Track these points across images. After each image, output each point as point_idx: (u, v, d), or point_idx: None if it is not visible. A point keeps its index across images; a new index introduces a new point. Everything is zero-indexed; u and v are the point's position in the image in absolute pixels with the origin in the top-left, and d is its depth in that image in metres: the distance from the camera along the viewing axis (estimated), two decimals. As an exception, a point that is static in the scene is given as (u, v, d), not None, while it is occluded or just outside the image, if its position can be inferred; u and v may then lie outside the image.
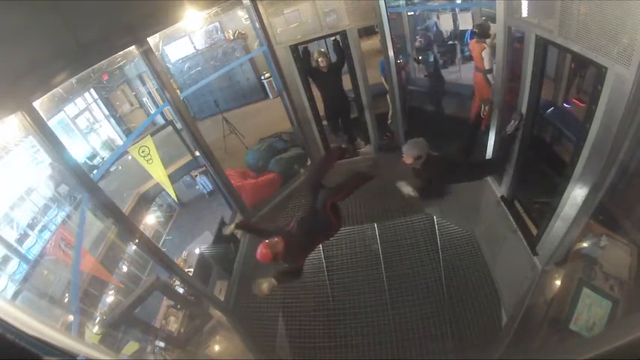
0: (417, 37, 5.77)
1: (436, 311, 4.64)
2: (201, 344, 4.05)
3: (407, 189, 3.42)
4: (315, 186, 3.44)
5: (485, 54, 4.76)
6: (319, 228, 3.32)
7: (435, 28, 7.70)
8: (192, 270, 4.99)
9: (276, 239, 3.00)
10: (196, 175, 7.79)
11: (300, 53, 5.00)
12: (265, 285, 2.98)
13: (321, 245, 5.34)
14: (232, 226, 3.43)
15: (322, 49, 5.18)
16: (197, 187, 8.02)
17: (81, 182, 2.94)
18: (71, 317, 3.46)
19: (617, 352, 0.88)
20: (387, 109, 6.20)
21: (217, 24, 9.45)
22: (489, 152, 4.52)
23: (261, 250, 2.95)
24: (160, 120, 8.02)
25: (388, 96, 6.20)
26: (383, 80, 6.06)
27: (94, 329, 3.90)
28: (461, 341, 4.38)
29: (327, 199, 3.31)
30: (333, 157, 3.80)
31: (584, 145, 2.61)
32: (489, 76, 4.82)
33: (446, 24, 7.14)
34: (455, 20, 6.91)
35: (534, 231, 3.69)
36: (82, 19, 2.80)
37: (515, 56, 3.66)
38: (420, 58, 5.80)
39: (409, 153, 3.47)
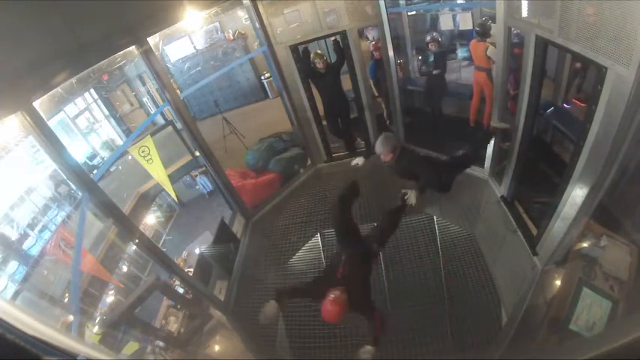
0: (428, 40, 5.56)
1: (436, 311, 4.64)
2: (201, 344, 4.05)
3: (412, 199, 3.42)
4: (344, 229, 3.28)
5: (492, 52, 4.73)
6: (367, 262, 3.20)
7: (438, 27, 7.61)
8: (192, 270, 4.99)
9: (338, 291, 2.71)
10: (196, 175, 7.80)
11: (300, 53, 5.00)
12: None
13: (321, 245, 5.36)
14: (272, 303, 2.82)
15: (319, 51, 5.16)
16: (197, 187, 8.03)
17: (81, 182, 2.94)
18: (71, 317, 3.46)
19: (617, 352, 0.87)
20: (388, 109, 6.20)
21: (217, 24, 9.45)
22: (489, 152, 4.53)
23: (331, 309, 2.64)
24: (160, 120, 8.01)
25: (379, 99, 6.19)
26: (372, 84, 5.98)
27: (94, 329, 3.90)
28: (461, 341, 4.37)
29: (377, 247, 3.28)
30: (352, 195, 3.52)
31: (584, 145, 2.61)
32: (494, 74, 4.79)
33: (446, 24, 7.13)
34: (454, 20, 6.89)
35: (534, 231, 3.70)
36: (82, 19, 2.80)
37: (519, 64, 3.65)
38: (433, 60, 5.65)
39: (384, 149, 3.40)
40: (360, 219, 5.28)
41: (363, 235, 3.44)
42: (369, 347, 2.80)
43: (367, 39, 8.10)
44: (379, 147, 3.43)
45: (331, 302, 2.66)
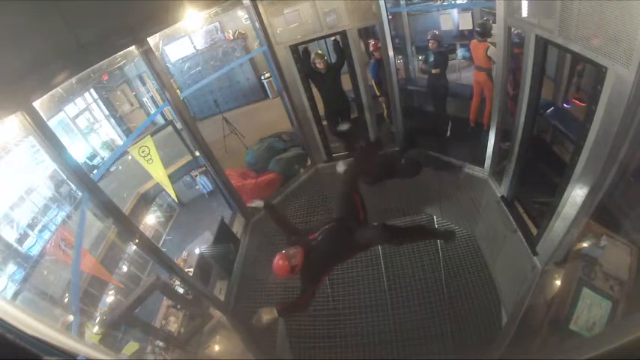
0: (429, 38, 5.50)
1: (436, 311, 4.64)
2: (201, 344, 4.05)
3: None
4: (350, 194, 3.22)
5: (492, 52, 4.73)
6: (347, 245, 3.00)
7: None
8: (192, 270, 4.99)
9: (295, 250, 2.73)
10: (196, 175, 7.78)
11: (300, 53, 5.00)
12: (266, 317, 2.77)
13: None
14: (260, 202, 3.35)
15: (319, 51, 5.16)
16: (197, 187, 8.02)
17: (81, 182, 2.94)
18: (71, 317, 3.46)
19: (617, 352, 0.88)
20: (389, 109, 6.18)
21: (217, 24, 9.44)
22: (489, 152, 4.53)
23: (277, 262, 2.67)
24: (160, 120, 8.01)
25: (381, 99, 6.19)
26: (374, 84, 5.97)
27: (94, 329, 3.90)
28: (461, 341, 4.38)
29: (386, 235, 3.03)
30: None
31: (584, 145, 2.61)
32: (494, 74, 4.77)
33: (446, 24, 7.11)
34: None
35: (534, 231, 3.70)
36: (82, 19, 2.80)
37: (518, 64, 3.65)
38: (432, 60, 5.60)
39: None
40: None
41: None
42: (274, 311, 2.79)
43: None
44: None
45: (280, 256, 2.70)
